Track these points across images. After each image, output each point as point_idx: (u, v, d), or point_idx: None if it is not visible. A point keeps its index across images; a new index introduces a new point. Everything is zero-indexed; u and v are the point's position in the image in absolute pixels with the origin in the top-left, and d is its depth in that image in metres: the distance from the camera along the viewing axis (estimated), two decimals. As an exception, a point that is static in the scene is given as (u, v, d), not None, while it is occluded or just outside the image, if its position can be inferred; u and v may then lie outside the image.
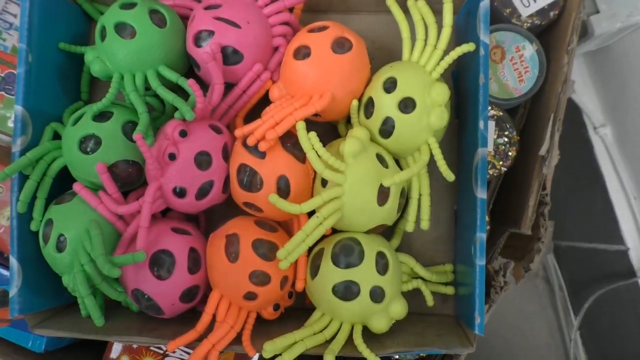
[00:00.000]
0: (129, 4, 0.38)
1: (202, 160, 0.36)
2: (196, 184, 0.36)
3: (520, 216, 0.41)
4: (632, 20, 0.52)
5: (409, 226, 0.37)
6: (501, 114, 0.43)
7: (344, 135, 0.41)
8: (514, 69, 0.43)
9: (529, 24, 0.43)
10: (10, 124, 0.47)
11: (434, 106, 0.36)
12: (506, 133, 0.43)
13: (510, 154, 0.43)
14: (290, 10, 0.41)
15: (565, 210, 0.66)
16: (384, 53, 0.43)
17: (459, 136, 0.42)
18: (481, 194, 0.35)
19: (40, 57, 0.39)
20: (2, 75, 0.48)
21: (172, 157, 0.36)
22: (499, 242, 0.43)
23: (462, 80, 0.40)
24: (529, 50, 0.43)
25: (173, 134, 0.36)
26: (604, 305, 0.67)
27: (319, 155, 0.35)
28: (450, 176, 0.36)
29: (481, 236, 0.35)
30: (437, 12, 0.38)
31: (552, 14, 0.43)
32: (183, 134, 0.36)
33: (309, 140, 0.35)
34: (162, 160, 0.36)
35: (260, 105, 0.41)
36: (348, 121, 0.41)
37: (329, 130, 0.42)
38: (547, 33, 0.44)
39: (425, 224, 0.37)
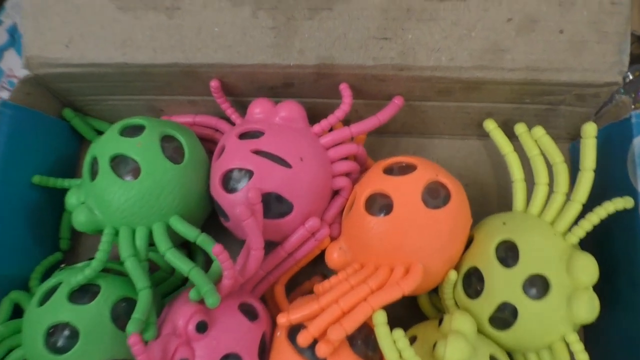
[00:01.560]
0: (132, 126, 0.27)
1: (230, 367, 0.24)
2: (219, 405, 0.24)
3: None
4: None
5: None
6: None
7: (428, 311, 0.29)
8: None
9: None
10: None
11: (579, 290, 0.24)
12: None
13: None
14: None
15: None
16: (475, 191, 0.31)
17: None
18: None
19: (5, 196, 0.28)
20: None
21: (185, 363, 0.24)
22: None
23: (602, 243, 0.29)
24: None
25: (187, 328, 0.24)
26: None
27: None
28: (610, 401, 0.24)
29: None
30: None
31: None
32: (202, 327, 0.24)
33: (393, 345, 0.23)
34: (169, 368, 0.24)
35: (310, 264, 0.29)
36: (433, 290, 0.29)
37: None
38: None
39: None
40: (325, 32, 0.27)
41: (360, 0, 0.27)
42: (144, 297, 0.25)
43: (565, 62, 0.26)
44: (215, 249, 0.24)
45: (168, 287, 0.29)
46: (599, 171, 0.26)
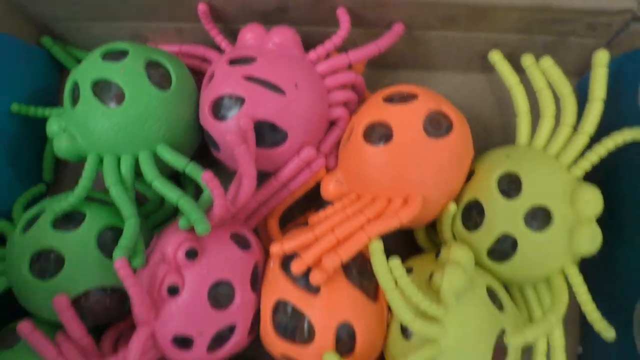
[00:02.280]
0: (116, 51, 0.26)
1: (220, 295, 0.24)
2: (209, 331, 0.23)
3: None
4: None
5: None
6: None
7: (425, 245, 0.29)
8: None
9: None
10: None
11: (581, 222, 0.23)
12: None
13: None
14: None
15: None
16: (478, 128, 0.30)
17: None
18: (656, 361, 0.23)
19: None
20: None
21: (174, 291, 0.23)
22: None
23: (608, 177, 0.28)
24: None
25: (177, 255, 0.23)
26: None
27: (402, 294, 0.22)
28: (608, 332, 0.23)
29: None
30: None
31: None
32: (192, 254, 0.23)
33: (389, 274, 0.23)
34: (158, 296, 0.23)
35: (304, 199, 0.28)
36: (431, 225, 0.28)
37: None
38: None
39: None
40: (323, -51, 0.25)
41: None
42: (130, 226, 0.24)
43: (578, -14, 0.25)
44: (205, 176, 0.23)
45: (157, 219, 0.28)
46: (608, 104, 0.25)
